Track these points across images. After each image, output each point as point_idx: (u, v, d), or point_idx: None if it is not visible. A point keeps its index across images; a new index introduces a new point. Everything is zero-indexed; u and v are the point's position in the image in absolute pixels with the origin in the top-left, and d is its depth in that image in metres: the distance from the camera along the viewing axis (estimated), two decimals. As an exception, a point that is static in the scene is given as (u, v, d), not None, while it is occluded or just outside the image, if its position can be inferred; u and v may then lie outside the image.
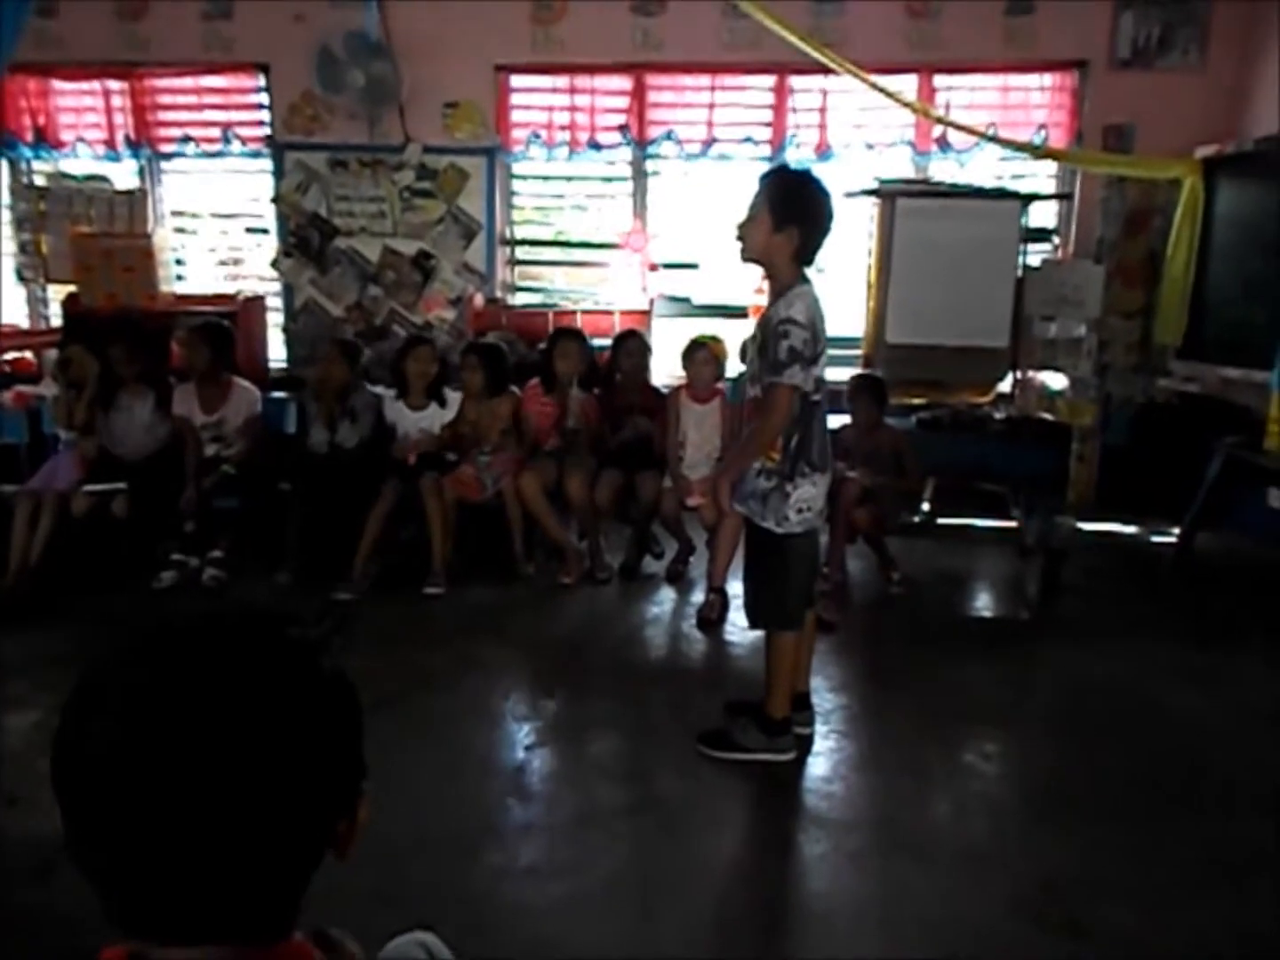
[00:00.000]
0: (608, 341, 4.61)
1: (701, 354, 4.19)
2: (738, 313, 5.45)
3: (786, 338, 2.49)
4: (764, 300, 5.27)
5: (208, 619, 0.72)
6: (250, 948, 0.69)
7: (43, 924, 2.05)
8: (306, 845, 0.70)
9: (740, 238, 2.62)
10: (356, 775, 0.74)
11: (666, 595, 4.17)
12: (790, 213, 2.52)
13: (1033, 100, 5.34)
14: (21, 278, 5.69)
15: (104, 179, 5.58)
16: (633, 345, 4.42)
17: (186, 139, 5.67)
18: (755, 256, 2.64)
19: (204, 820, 0.64)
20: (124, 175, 5.73)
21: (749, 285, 5.46)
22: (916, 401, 4.86)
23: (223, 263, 5.92)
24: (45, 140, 5.68)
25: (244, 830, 0.65)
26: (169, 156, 5.75)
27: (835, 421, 3.44)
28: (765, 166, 5.48)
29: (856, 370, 4.81)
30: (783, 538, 2.65)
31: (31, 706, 3.13)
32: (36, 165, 5.80)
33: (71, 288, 5.31)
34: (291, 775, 0.67)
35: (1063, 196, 5.34)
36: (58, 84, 5.64)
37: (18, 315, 5.88)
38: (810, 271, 2.63)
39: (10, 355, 5.53)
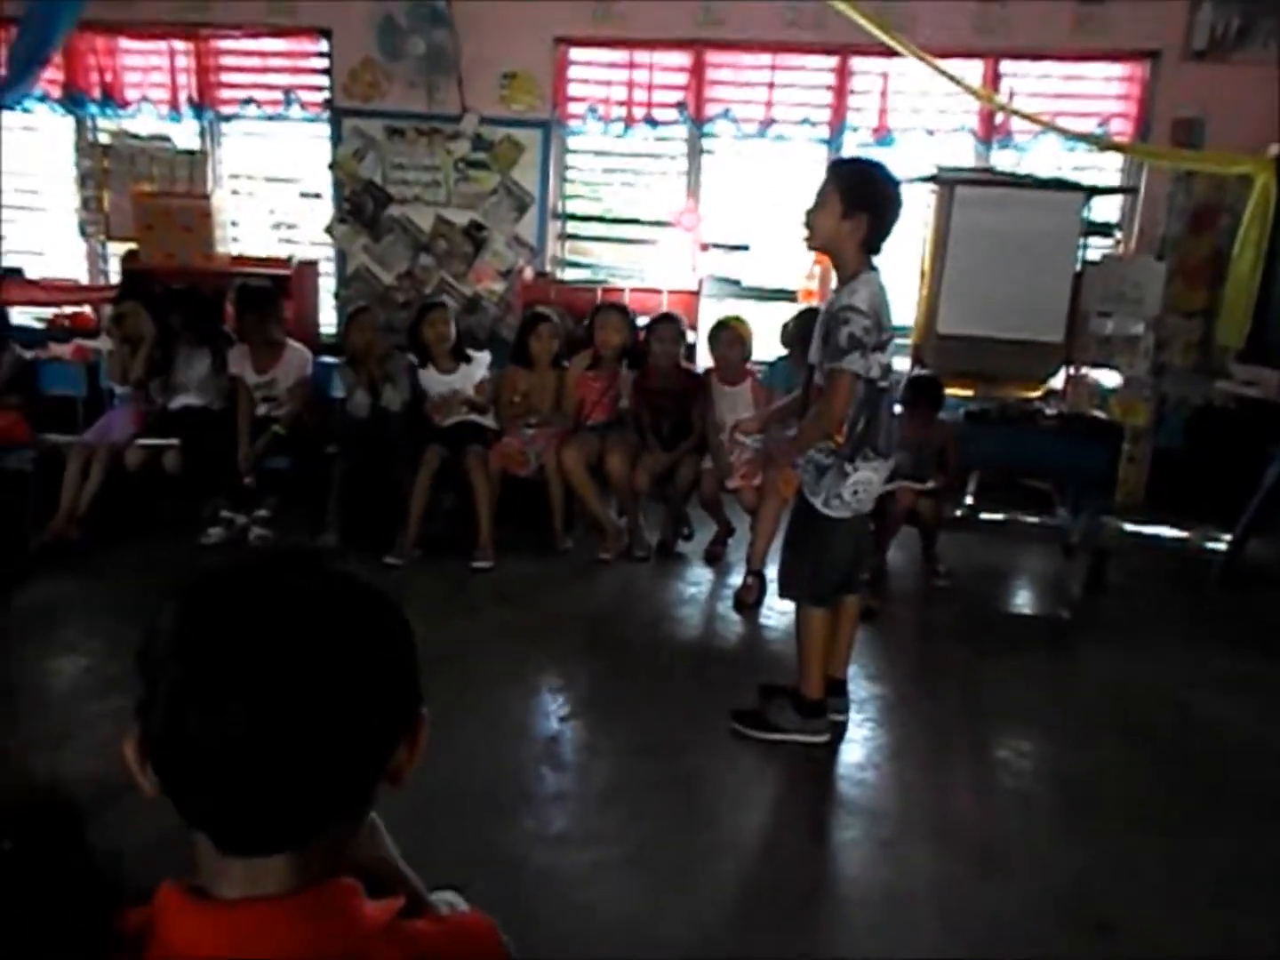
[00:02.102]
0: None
1: (725, 335, 4.18)
2: (787, 296, 5.41)
3: (847, 324, 2.50)
4: (814, 285, 5.29)
5: (281, 553, 0.79)
6: (303, 885, 0.72)
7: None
8: (369, 757, 0.73)
9: (807, 225, 2.63)
10: (413, 696, 0.78)
11: (704, 576, 4.18)
12: (859, 200, 2.53)
13: (1099, 90, 5.22)
14: (84, 233, 5.78)
15: (167, 139, 5.65)
16: (663, 330, 4.37)
17: (249, 101, 5.73)
18: (822, 244, 2.66)
19: (275, 725, 0.67)
20: (186, 135, 5.79)
21: (799, 269, 5.41)
22: (965, 393, 4.79)
23: (277, 226, 5.99)
24: (111, 98, 5.75)
25: (311, 735, 0.68)
26: (230, 118, 5.81)
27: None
28: (822, 148, 5.43)
29: (907, 360, 4.76)
30: (828, 517, 2.66)
31: (79, 651, 3.22)
32: (101, 123, 5.88)
33: (131, 245, 5.40)
34: (358, 679, 0.71)
35: (1127, 190, 5.21)
36: (125, 43, 5.71)
37: (78, 270, 5.99)
38: (877, 259, 2.63)
39: (70, 310, 5.64)
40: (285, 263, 5.44)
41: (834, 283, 2.73)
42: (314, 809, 0.71)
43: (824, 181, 2.61)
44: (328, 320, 5.81)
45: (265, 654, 0.68)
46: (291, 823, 0.71)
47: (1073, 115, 5.15)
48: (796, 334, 4.19)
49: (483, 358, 4.48)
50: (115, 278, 5.59)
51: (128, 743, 0.71)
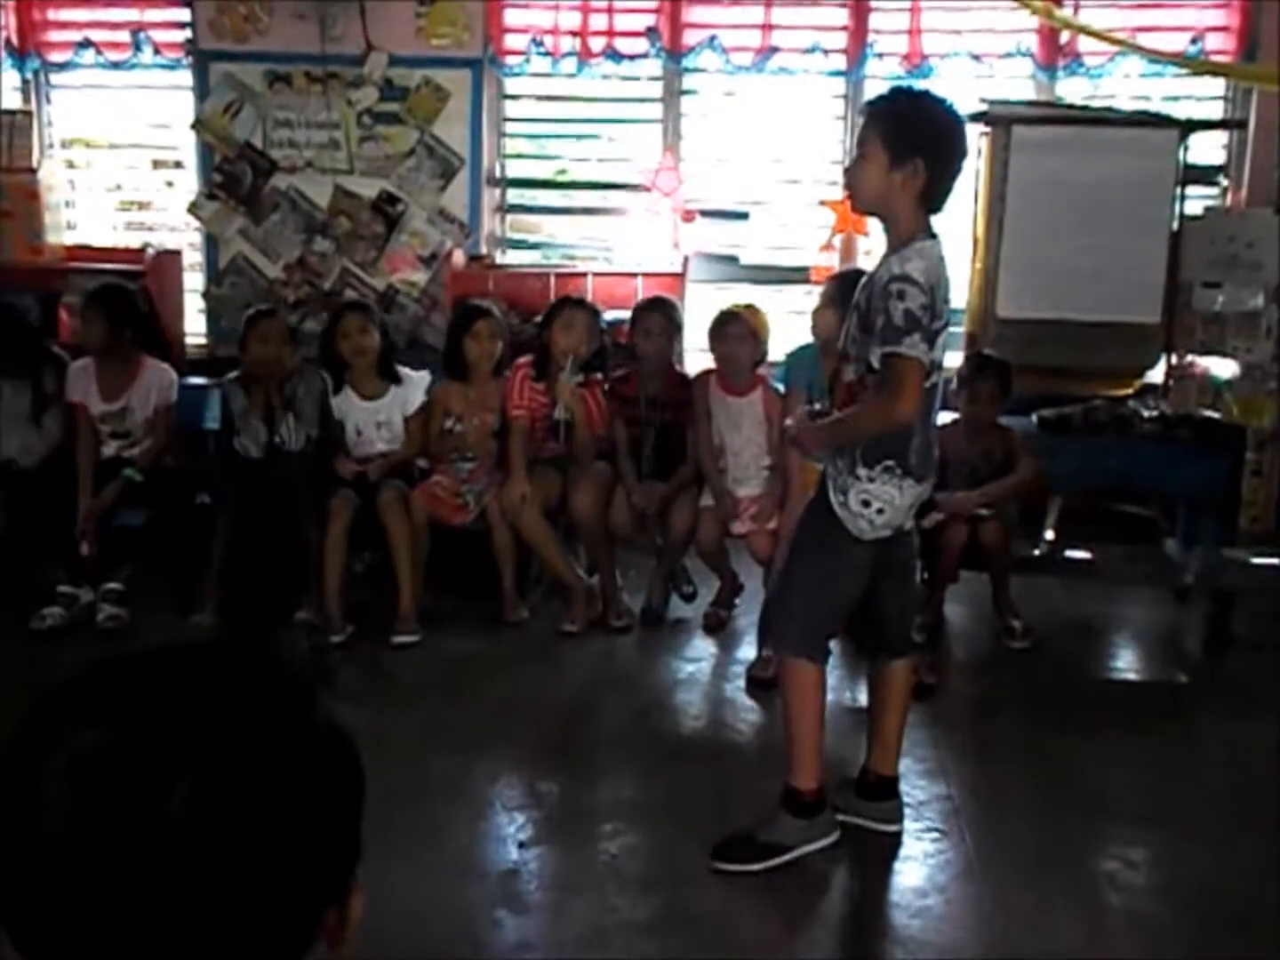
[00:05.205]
0: (627, 314, 4.61)
1: (733, 329, 4.16)
2: (797, 276, 5.46)
3: (902, 299, 2.52)
4: (832, 260, 5.36)
5: (183, 649, 0.75)
6: None
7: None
8: (287, 937, 0.72)
9: (849, 184, 2.72)
10: (352, 856, 0.77)
11: (704, 648, 4.19)
12: (911, 144, 2.59)
13: (1190, -2, 5.35)
14: None
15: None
16: (651, 323, 4.37)
17: (85, 45, 5.76)
18: (870, 204, 2.73)
19: (174, 904, 0.66)
20: (4, 91, 5.81)
21: (814, 241, 5.47)
22: (1037, 395, 4.84)
23: (126, 206, 6.00)
24: (-99, 47, 5.78)
25: (215, 917, 0.67)
26: (61, 68, 5.84)
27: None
28: (839, 83, 5.52)
29: (959, 355, 4.80)
30: (840, 527, 2.68)
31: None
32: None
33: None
34: (279, 850, 0.69)
35: (1233, 124, 5.33)
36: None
37: None
38: (937, 222, 2.69)
39: None
40: (138, 254, 5.46)
41: (868, 253, 2.78)
42: None
43: (864, 126, 2.68)
44: (196, 328, 5.81)
45: (150, 805, 0.66)
46: None
47: (1159, 30, 5.26)
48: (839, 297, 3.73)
49: (419, 378, 4.45)
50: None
51: None
